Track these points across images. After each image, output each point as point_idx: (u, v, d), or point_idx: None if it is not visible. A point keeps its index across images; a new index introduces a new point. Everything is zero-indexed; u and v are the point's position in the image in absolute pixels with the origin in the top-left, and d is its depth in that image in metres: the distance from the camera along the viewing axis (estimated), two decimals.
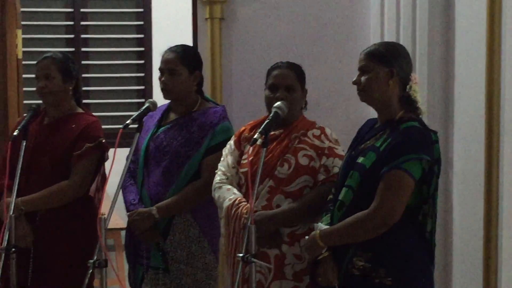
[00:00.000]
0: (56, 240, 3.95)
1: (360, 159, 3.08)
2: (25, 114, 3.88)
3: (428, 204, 3.04)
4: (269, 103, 3.56)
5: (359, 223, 3.01)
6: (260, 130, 3.19)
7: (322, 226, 3.16)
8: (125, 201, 3.98)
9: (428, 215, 3.06)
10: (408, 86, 3.10)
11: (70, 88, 4.03)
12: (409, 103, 3.11)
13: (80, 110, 4.12)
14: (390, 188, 2.95)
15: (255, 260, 3.04)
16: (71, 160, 3.94)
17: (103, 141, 4.00)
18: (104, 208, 3.20)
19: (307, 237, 3.22)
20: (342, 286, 3.11)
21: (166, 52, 3.97)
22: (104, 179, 4.13)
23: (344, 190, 3.12)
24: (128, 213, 3.92)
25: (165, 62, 3.93)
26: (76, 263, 3.93)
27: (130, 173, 4.00)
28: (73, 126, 3.99)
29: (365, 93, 3.14)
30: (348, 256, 3.07)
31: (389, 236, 2.99)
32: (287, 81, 3.61)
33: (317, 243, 3.12)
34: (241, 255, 3.03)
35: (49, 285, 3.96)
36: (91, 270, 3.02)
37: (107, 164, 3.08)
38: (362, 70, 3.14)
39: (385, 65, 3.09)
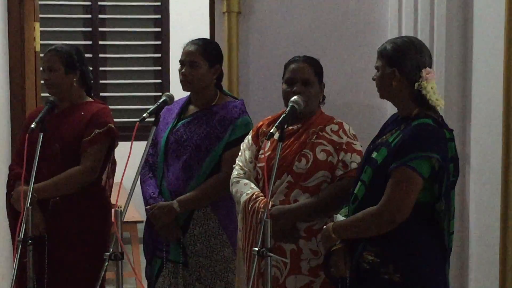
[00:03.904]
0: (69, 228, 3.98)
1: (374, 154, 3.08)
2: (38, 106, 3.90)
3: (440, 202, 3.01)
4: (286, 97, 3.56)
5: (368, 219, 3.01)
6: (276, 124, 3.19)
7: (339, 217, 3.18)
8: (144, 195, 3.99)
9: (442, 214, 3.03)
10: (416, 84, 3.05)
11: (74, 79, 4.07)
12: (422, 101, 3.06)
13: (89, 99, 4.16)
14: (398, 186, 2.94)
15: (270, 254, 3.03)
16: (81, 147, 3.97)
17: (112, 127, 4.04)
18: (121, 201, 3.21)
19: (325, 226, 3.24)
20: (353, 279, 3.11)
21: (187, 44, 3.99)
22: (114, 166, 4.18)
23: (359, 184, 3.13)
24: (148, 206, 3.93)
25: (186, 54, 3.95)
26: (88, 251, 3.98)
27: (149, 167, 4.02)
28: (82, 113, 4.04)
29: (379, 90, 3.16)
30: (358, 250, 3.08)
31: (399, 232, 2.98)
32: (304, 75, 3.61)
33: (330, 235, 3.15)
34: (257, 249, 3.03)
35: (64, 273, 3.99)
36: (107, 263, 3.03)
37: (124, 158, 3.08)
38: (376, 68, 3.16)
39: (390, 65, 3.08)
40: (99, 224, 4.06)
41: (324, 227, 3.22)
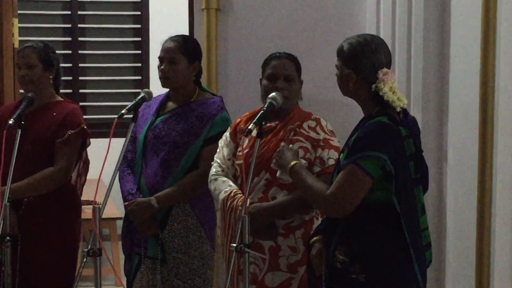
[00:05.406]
0: (41, 227, 3.99)
1: (341, 156, 3.07)
2: (8, 103, 3.88)
3: (395, 202, 2.94)
4: (267, 92, 3.51)
5: (316, 195, 3.01)
6: (254, 120, 3.18)
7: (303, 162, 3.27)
8: (122, 191, 4.00)
9: (401, 213, 2.95)
10: (373, 86, 2.99)
11: (51, 77, 4.08)
12: (382, 100, 3.00)
13: (59, 98, 4.17)
14: (345, 182, 2.91)
15: (248, 250, 3.04)
16: (53, 147, 3.99)
17: (85, 127, 4.06)
18: (99, 198, 3.21)
19: (291, 146, 3.36)
20: (327, 277, 3.10)
21: (166, 41, 3.99)
22: (86, 165, 4.20)
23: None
24: (127, 202, 3.93)
25: (165, 50, 3.95)
26: (59, 250, 4.01)
27: (127, 163, 4.02)
28: (54, 114, 4.05)
29: (340, 89, 3.13)
30: (331, 248, 3.07)
31: (364, 232, 2.97)
32: (287, 71, 3.61)
33: (286, 168, 3.19)
34: (234, 245, 3.04)
35: (36, 272, 3.99)
36: (85, 259, 3.03)
37: (102, 155, 3.08)
38: (335, 66, 3.12)
39: (347, 67, 3.04)
40: (70, 222, 4.08)
41: (286, 152, 3.26)
